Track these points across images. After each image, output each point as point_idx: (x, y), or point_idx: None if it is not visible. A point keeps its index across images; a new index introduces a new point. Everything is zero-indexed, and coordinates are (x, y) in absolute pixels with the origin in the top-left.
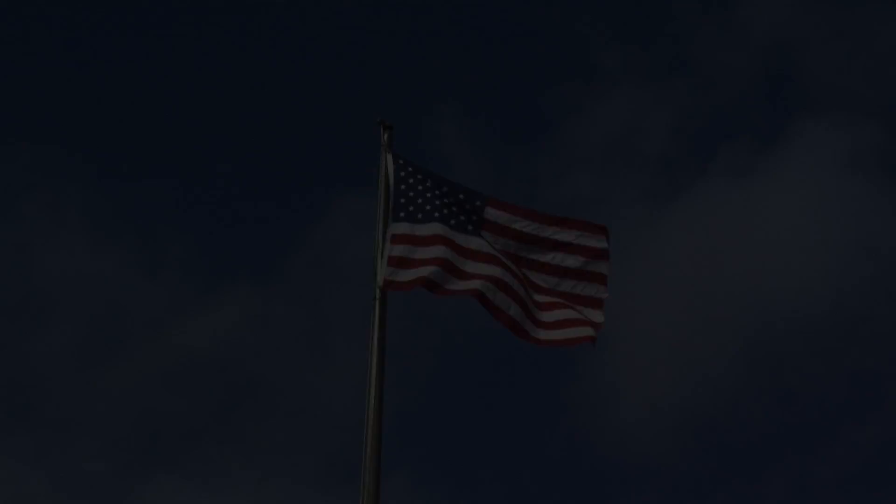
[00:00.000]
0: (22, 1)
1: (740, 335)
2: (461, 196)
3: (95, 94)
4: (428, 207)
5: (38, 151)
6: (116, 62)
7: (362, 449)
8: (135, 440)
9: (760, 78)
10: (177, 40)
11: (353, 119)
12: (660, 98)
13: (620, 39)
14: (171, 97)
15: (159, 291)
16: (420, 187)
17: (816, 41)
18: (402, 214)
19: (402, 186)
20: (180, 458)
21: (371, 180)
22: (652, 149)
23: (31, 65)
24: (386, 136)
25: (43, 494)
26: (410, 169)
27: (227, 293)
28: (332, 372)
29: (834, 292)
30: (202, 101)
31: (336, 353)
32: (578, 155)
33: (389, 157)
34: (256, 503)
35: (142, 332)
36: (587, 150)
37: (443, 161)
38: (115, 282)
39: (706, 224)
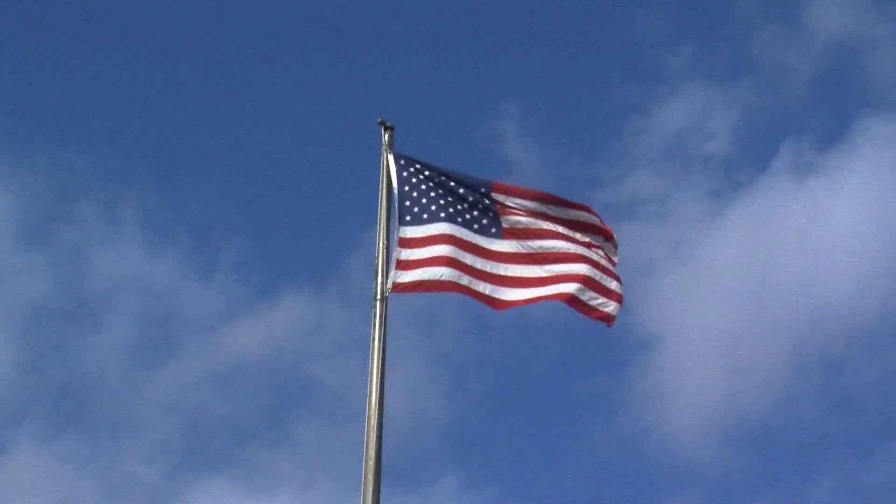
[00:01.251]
0: (77, 8)
1: (793, 337)
2: (466, 189)
3: (151, 98)
4: (433, 207)
5: (94, 154)
6: (171, 66)
7: (363, 450)
8: (184, 443)
9: (823, 77)
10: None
11: (420, 121)
12: (723, 98)
13: (683, 40)
14: (224, 99)
15: (213, 294)
16: (424, 187)
17: (879, 40)
18: (408, 218)
19: (406, 188)
20: (229, 462)
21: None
22: (714, 148)
23: (87, 69)
24: (387, 136)
25: (91, 497)
26: (412, 169)
27: (282, 296)
28: (385, 379)
29: (891, 295)
30: (255, 103)
31: (389, 359)
32: (640, 155)
33: (391, 158)
34: None
35: (194, 336)
36: (649, 150)
37: (504, 160)
38: (169, 284)
39: (765, 224)
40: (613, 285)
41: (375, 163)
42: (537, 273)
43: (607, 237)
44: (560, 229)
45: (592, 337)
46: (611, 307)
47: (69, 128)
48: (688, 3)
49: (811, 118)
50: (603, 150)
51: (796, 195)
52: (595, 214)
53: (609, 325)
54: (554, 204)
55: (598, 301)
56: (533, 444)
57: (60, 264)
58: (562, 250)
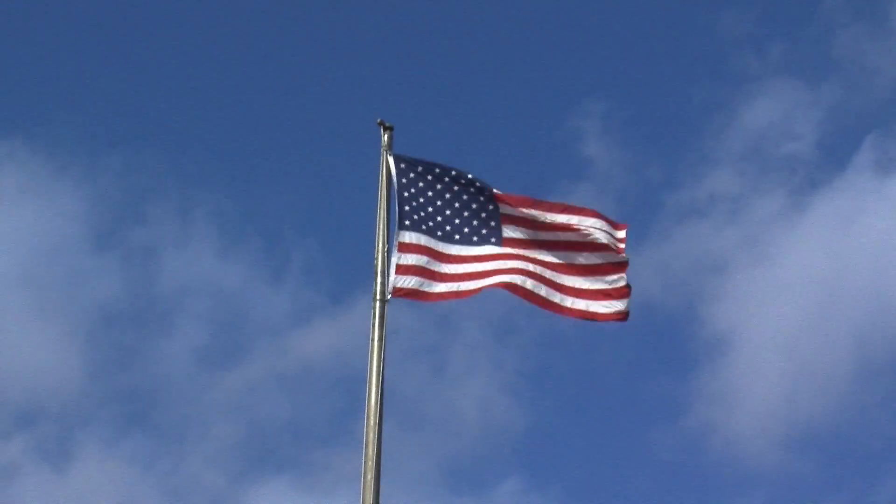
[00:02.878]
0: (152, 11)
1: (859, 339)
2: (469, 196)
3: (223, 101)
4: (434, 221)
5: (168, 156)
6: (245, 69)
7: (363, 450)
8: (248, 446)
9: None
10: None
11: (503, 124)
12: (806, 97)
13: (768, 39)
14: (297, 101)
15: (282, 298)
16: (424, 195)
17: None
18: (407, 223)
19: (406, 193)
20: (291, 464)
21: None
22: (796, 148)
23: (161, 71)
24: (386, 136)
25: (155, 500)
26: (414, 174)
27: (352, 300)
28: (452, 383)
29: None
30: (323, 105)
31: (458, 365)
32: (721, 154)
33: (391, 159)
34: None
35: (263, 339)
36: (730, 150)
37: (585, 159)
38: (239, 287)
39: (845, 224)
40: (615, 280)
41: None
42: (540, 281)
43: (614, 226)
44: (562, 237)
45: (662, 338)
46: (618, 306)
47: (143, 129)
48: (773, 3)
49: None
50: (683, 149)
51: (879, 194)
52: (602, 217)
53: (624, 321)
54: (560, 212)
55: (605, 308)
56: (596, 445)
57: (131, 267)
58: (561, 262)
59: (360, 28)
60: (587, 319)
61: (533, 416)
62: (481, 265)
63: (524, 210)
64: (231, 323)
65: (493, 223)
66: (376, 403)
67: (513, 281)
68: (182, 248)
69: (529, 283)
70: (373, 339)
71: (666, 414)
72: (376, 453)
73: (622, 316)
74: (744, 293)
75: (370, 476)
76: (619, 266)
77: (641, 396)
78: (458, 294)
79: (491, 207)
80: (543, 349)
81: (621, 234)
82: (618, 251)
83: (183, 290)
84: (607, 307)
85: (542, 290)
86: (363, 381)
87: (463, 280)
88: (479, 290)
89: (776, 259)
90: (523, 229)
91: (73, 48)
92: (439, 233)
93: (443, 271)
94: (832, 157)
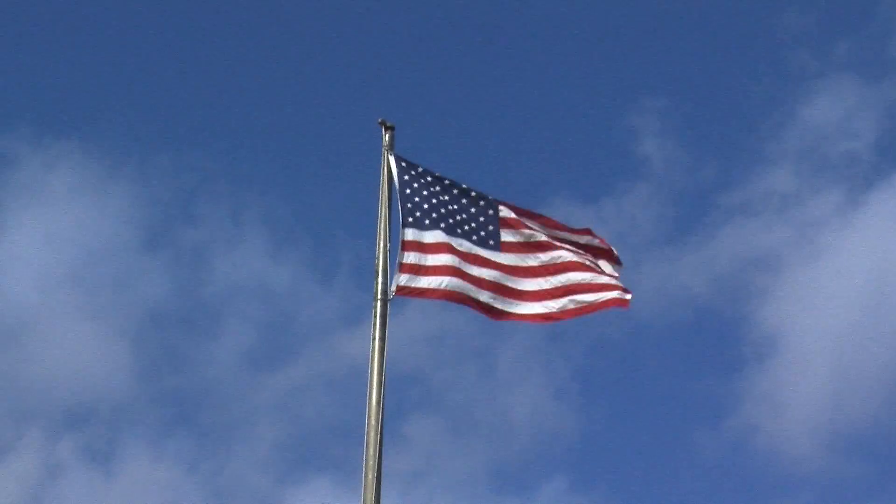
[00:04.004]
0: (200, 11)
1: None
2: (467, 200)
3: (276, 102)
4: (434, 215)
5: (219, 157)
6: (301, 70)
7: (363, 449)
8: (294, 447)
9: None
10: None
11: (556, 122)
12: (865, 95)
13: (828, 37)
14: (362, 102)
15: (332, 299)
16: (425, 192)
17: None
18: (410, 220)
19: (408, 191)
20: (334, 463)
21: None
22: (854, 147)
23: (211, 71)
24: (387, 136)
25: (198, 500)
26: (414, 173)
27: (402, 301)
28: (501, 387)
29: None
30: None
31: (507, 368)
32: (778, 151)
33: (392, 159)
34: None
35: (311, 341)
36: (787, 148)
37: (641, 157)
38: (288, 289)
39: None
40: (611, 280)
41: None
42: (541, 286)
43: (611, 259)
44: (559, 243)
45: (711, 338)
46: (616, 293)
47: (194, 129)
48: (834, 1)
49: None
50: (740, 147)
51: None
52: (598, 238)
53: (626, 307)
54: (554, 228)
55: (604, 296)
56: (640, 446)
57: (180, 268)
58: (563, 260)
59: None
60: (595, 311)
61: (579, 418)
62: (483, 271)
63: (524, 219)
64: (279, 324)
65: (491, 227)
66: (377, 403)
67: (502, 308)
68: (232, 249)
69: (520, 308)
70: (373, 339)
71: (711, 415)
72: (377, 453)
73: (625, 303)
74: (795, 293)
75: (371, 475)
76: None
77: (688, 397)
78: (460, 298)
79: (490, 213)
80: (591, 352)
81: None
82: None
83: (232, 291)
84: (610, 294)
85: (536, 308)
86: (410, 381)
87: (464, 280)
88: (472, 304)
89: (828, 258)
90: (523, 232)
91: (128, 51)
92: (442, 224)
93: (444, 265)
94: (890, 156)
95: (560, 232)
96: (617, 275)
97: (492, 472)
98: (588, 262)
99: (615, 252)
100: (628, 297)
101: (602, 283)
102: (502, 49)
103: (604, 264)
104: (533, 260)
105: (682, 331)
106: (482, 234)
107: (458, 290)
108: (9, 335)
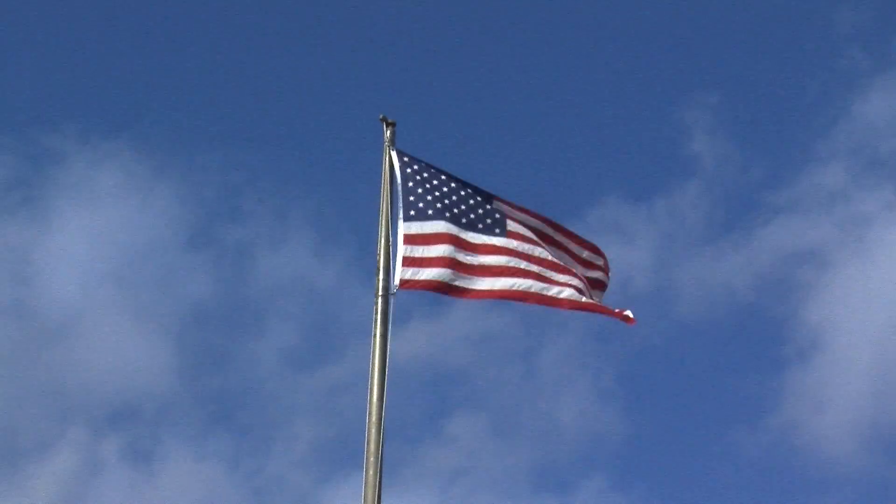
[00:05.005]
0: (244, 10)
1: None
2: (469, 191)
3: (320, 102)
4: (438, 206)
5: (264, 156)
6: (347, 70)
7: (365, 446)
8: (334, 446)
9: None
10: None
11: (605, 118)
12: None
13: (882, 35)
14: (412, 100)
15: (370, 301)
16: (427, 185)
17: None
18: (412, 213)
19: (410, 184)
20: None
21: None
22: None
23: (256, 69)
24: (388, 132)
25: (238, 499)
26: (416, 167)
27: (445, 303)
28: (544, 387)
29: None
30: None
31: (550, 370)
32: (829, 148)
33: (393, 154)
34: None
35: (354, 341)
36: (839, 144)
37: (692, 154)
38: (333, 288)
39: None
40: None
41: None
42: (552, 276)
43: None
44: (561, 242)
45: (757, 336)
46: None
47: (241, 130)
48: None
49: None
50: (791, 144)
51: None
52: (596, 252)
53: (632, 324)
54: (554, 229)
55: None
56: (680, 444)
57: (224, 266)
58: (565, 262)
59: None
60: (598, 312)
61: (620, 417)
62: (489, 258)
63: (525, 216)
64: (323, 323)
65: (497, 216)
66: (379, 400)
67: (516, 288)
68: (277, 247)
69: (535, 286)
70: (374, 336)
71: (753, 412)
72: (378, 449)
73: (630, 320)
74: (841, 291)
75: (372, 472)
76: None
77: (731, 394)
78: (465, 293)
79: (493, 203)
80: (634, 351)
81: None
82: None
83: (276, 289)
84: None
85: (552, 290)
86: (453, 381)
87: (472, 273)
88: (486, 295)
89: (875, 256)
90: (525, 226)
91: (176, 51)
92: (447, 214)
93: (451, 257)
94: None
95: (562, 237)
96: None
97: (532, 471)
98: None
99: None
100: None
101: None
102: (535, 44)
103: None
104: (539, 251)
105: (727, 329)
106: (488, 221)
107: (461, 284)
108: (53, 333)
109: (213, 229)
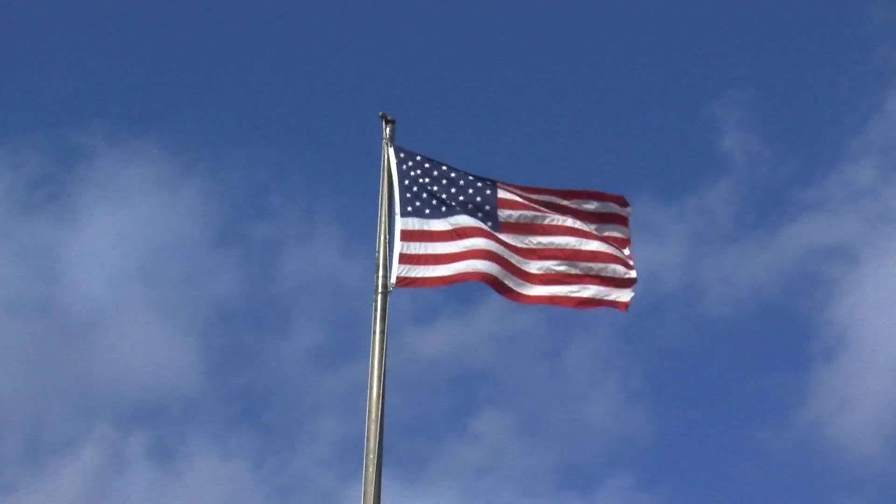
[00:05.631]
0: (272, 11)
1: None
2: (466, 182)
3: (347, 100)
4: (434, 202)
5: (292, 154)
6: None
7: (365, 443)
8: (358, 444)
9: None
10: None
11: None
12: None
13: None
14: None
15: (402, 297)
16: (424, 181)
17: None
18: (409, 209)
19: (406, 181)
20: (397, 460)
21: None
22: None
23: (283, 66)
24: (388, 129)
25: (262, 497)
26: (412, 163)
27: (478, 299)
28: (571, 386)
29: None
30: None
31: (576, 369)
32: (860, 145)
33: (391, 151)
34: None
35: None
36: (870, 140)
37: (723, 151)
38: (360, 286)
39: None
40: (621, 271)
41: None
42: (536, 269)
43: (621, 221)
44: (567, 222)
45: (784, 333)
46: (620, 295)
47: (269, 129)
48: None
49: None
50: (822, 141)
51: None
52: (609, 199)
53: (623, 311)
54: (562, 197)
55: (608, 294)
56: (706, 442)
57: (250, 264)
58: (564, 247)
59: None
60: (589, 307)
61: (645, 416)
62: (480, 241)
63: (525, 195)
64: (349, 322)
65: (488, 208)
66: (378, 397)
67: (511, 286)
68: (304, 244)
69: (507, 279)
70: (374, 333)
71: (779, 410)
72: (378, 446)
73: (623, 306)
74: (869, 288)
75: (371, 469)
76: (621, 258)
77: (756, 393)
78: (459, 277)
79: (489, 192)
80: (661, 350)
81: (626, 210)
82: (622, 243)
83: (302, 287)
84: (607, 294)
85: (524, 287)
86: (480, 379)
87: (463, 259)
88: (473, 276)
89: None
90: (523, 214)
91: (204, 49)
92: (444, 208)
93: (445, 251)
94: None
95: (565, 201)
96: (626, 251)
97: (556, 469)
98: (593, 249)
99: (627, 213)
100: (626, 299)
101: (606, 276)
102: (554, 39)
103: (613, 232)
104: (531, 241)
105: (754, 326)
106: (479, 214)
107: (461, 270)
108: (79, 330)
109: (239, 226)
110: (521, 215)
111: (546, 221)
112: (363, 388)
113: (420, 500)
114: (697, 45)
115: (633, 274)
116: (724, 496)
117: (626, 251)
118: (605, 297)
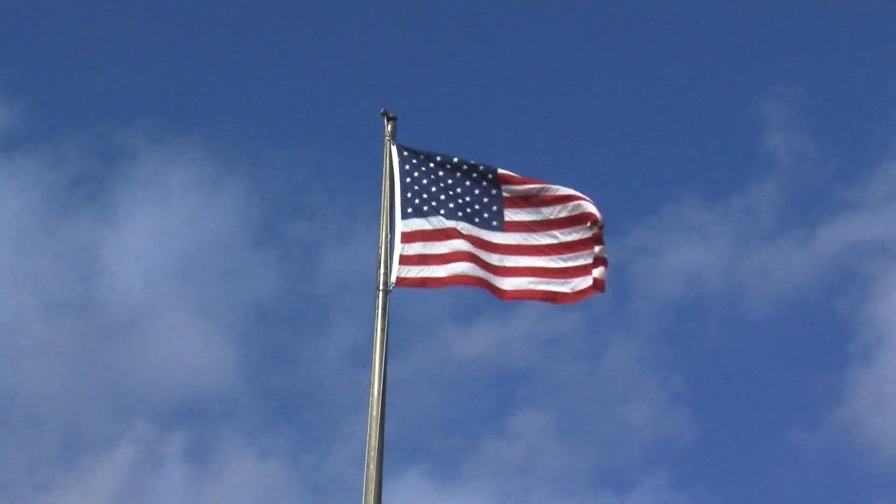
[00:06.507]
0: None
1: None
2: (470, 181)
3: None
4: (434, 203)
5: (332, 153)
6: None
7: (367, 441)
8: (395, 444)
9: None
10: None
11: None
12: None
13: None
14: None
15: (443, 297)
16: (426, 180)
17: None
18: (409, 210)
19: (408, 180)
20: (431, 457)
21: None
22: None
23: (322, 65)
24: (390, 126)
25: (297, 496)
26: (415, 161)
27: (517, 305)
28: (611, 390)
29: None
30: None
31: (617, 373)
32: None
33: (394, 149)
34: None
35: (419, 338)
36: None
37: (767, 148)
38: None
39: None
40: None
41: None
42: (546, 264)
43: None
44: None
45: (822, 332)
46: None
47: (308, 123)
48: None
49: None
50: (867, 138)
51: None
52: (586, 201)
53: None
54: (550, 203)
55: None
56: (741, 441)
57: (289, 263)
58: (564, 241)
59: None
60: (577, 301)
61: (682, 415)
62: (482, 252)
63: (529, 186)
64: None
65: (494, 208)
66: (379, 394)
67: (501, 286)
68: (344, 243)
69: (524, 283)
70: (375, 331)
71: (814, 411)
72: (379, 444)
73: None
74: None
75: (373, 466)
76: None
77: (792, 393)
78: (455, 280)
79: (494, 192)
80: (702, 351)
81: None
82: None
83: (341, 287)
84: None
85: (540, 286)
86: (518, 380)
87: (464, 261)
88: (476, 283)
89: None
90: (527, 210)
91: (244, 49)
92: (442, 211)
93: (445, 252)
94: None
95: (552, 206)
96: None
97: (592, 470)
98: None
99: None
100: (587, 284)
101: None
102: (583, 32)
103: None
104: (537, 238)
105: (793, 326)
106: (485, 215)
107: (460, 273)
108: (118, 329)
109: (279, 225)
110: (526, 212)
111: (543, 216)
112: (399, 387)
113: (454, 499)
114: (745, 40)
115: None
116: (759, 496)
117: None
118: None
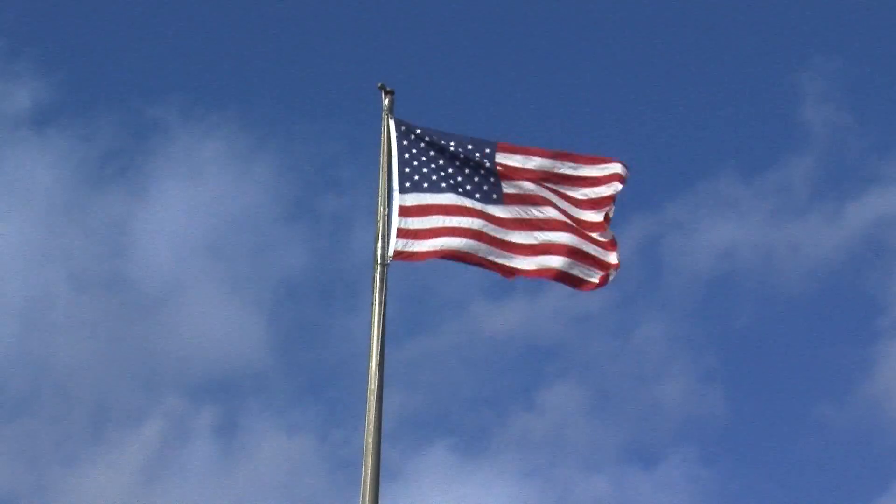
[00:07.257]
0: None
1: None
2: (468, 154)
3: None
4: (434, 177)
5: (363, 128)
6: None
7: (365, 415)
8: (422, 419)
9: None
10: None
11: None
12: None
13: None
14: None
15: (474, 273)
16: (424, 156)
17: None
18: (407, 185)
19: (406, 155)
20: (456, 431)
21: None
22: None
23: (349, 42)
24: (387, 101)
25: (325, 469)
26: (413, 136)
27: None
28: (643, 367)
29: None
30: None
31: (649, 350)
32: None
33: (392, 123)
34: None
35: (449, 314)
36: None
37: (803, 121)
38: (428, 265)
39: None
40: (610, 257)
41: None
42: (529, 240)
43: (614, 179)
44: (561, 190)
45: (851, 307)
46: (596, 277)
47: (340, 97)
48: None
49: None
50: None
51: None
52: (611, 162)
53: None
54: (562, 160)
55: (587, 273)
56: (771, 418)
57: (321, 238)
58: (555, 218)
59: None
60: (566, 283)
61: (711, 391)
62: (482, 224)
63: (529, 157)
64: (419, 297)
65: (492, 179)
66: (377, 368)
67: (502, 262)
68: (375, 219)
69: (527, 263)
70: (373, 305)
71: (842, 386)
72: (377, 417)
73: (605, 279)
74: None
75: (371, 440)
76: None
77: (821, 368)
78: (454, 254)
79: (488, 164)
80: (734, 328)
81: (616, 168)
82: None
83: (372, 262)
84: (589, 275)
85: (531, 264)
86: (549, 356)
87: (463, 236)
88: (475, 261)
89: None
90: (526, 182)
91: (274, 23)
92: (443, 185)
93: (443, 226)
94: None
95: (566, 165)
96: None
97: (621, 445)
98: (577, 225)
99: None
100: (595, 280)
101: (587, 254)
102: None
103: (603, 192)
104: (534, 212)
105: (823, 301)
106: (484, 188)
107: (460, 248)
108: (148, 304)
109: (310, 201)
110: (522, 185)
111: (543, 193)
112: (428, 362)
113: (480, 473)
114: (785, 12)
115: (612, 258)
116: (788, 470)
117: (607, 233)
118: (583, 276)
